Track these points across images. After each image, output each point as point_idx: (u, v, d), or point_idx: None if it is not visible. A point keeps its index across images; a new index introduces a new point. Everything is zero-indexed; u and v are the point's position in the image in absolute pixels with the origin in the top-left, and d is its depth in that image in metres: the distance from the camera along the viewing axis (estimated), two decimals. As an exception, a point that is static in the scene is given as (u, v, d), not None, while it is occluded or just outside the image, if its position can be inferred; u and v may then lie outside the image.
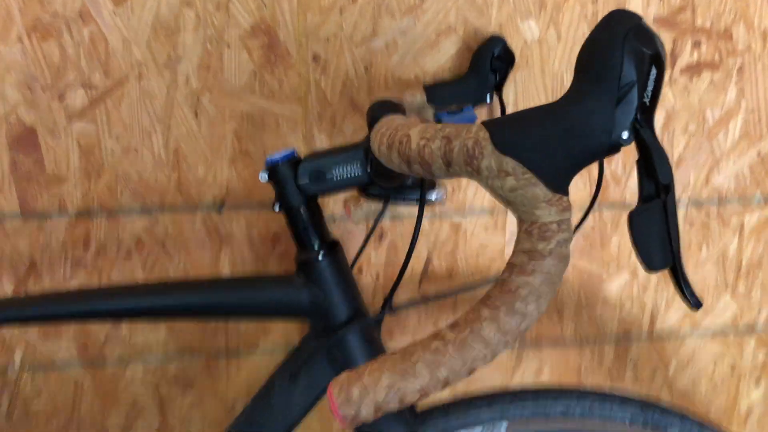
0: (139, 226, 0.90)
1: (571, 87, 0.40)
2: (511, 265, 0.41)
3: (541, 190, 0.39)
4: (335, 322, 0.65)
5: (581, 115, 0.39)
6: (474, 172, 0.41)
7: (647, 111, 0.40)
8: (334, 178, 0.62)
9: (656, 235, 0.41)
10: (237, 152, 0.88)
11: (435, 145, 0.42)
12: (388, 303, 0.66)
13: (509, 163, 0.40)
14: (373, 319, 0.66)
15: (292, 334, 0.97)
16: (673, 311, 1.03)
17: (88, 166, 0.87)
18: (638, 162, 0.42)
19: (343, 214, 0.92)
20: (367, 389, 0.41)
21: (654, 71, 0.40)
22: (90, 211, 0.88)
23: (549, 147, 0.39)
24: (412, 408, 0.70)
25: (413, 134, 0.44)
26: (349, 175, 0.61)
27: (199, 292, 0.66)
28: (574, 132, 0.39)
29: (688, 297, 0.41)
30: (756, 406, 1.10)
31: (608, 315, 1.02)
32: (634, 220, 0.41)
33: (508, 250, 0.96)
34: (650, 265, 0.41)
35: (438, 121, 0.62)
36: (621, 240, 0.99)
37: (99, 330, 0.94)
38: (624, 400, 0.71)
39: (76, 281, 0.91)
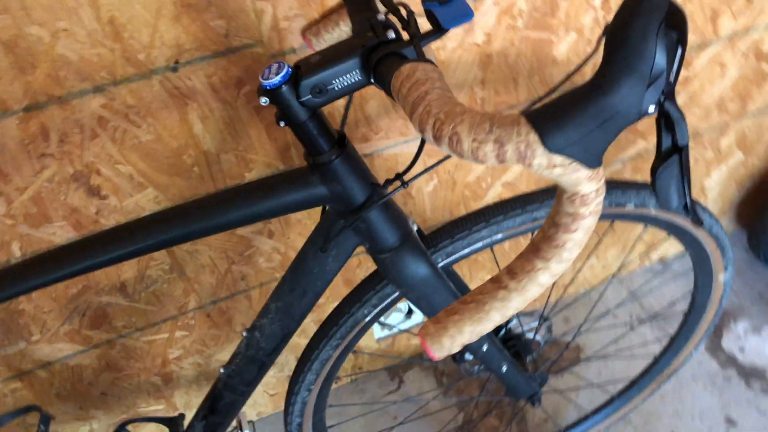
0: (96, 104, 0.84)
1: (602, 69, 0.42)
2: (556, 224, 0.48)
3: (583, 173, 0.44)
4: (355, 204, 0.70)
5: (617, 105, 0.42)
6: (526, 167, 0.45)
7: (671, 86, 0.43)
8: (336, 88, 0.61)
9: (673, 183, 0.48)
10: (179, 8, 0.79)
11: (488, 148, 0.44)
12: (400, 176, 0.70)
13: (558, 159, 0.43)
14: (388, 192, 0.71)
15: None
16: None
17: (18, 61, 0.77)
18: (658, 121, 0.46)
19: (303, 44, 0.88)
20: (454, 337, 0.51)
21: (680, 51, 0.42)
22: (38, 104, 0.81)
23: (590, 137, 0.43)
24: (421, 233, 0.80)
25: (463, 133, 0.45)
26: (350, 82, 0.61)
27: (224, 206, 0.68)
28: (611, 120, 0.42)
29: (695, 221, 0.50)
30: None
31: (557, 72, 1.08)
32: (657, 174, 0.47)
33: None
34: (668, 207, 0.48)
35: (427, 11, 0.58)
36: (569, 5, 1.01)
37: (89, 205, 0.93)
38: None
39: (49, 172, 0.87)
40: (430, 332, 0.51)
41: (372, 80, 0.59)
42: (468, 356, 1.03)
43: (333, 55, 0.60)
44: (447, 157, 0.65)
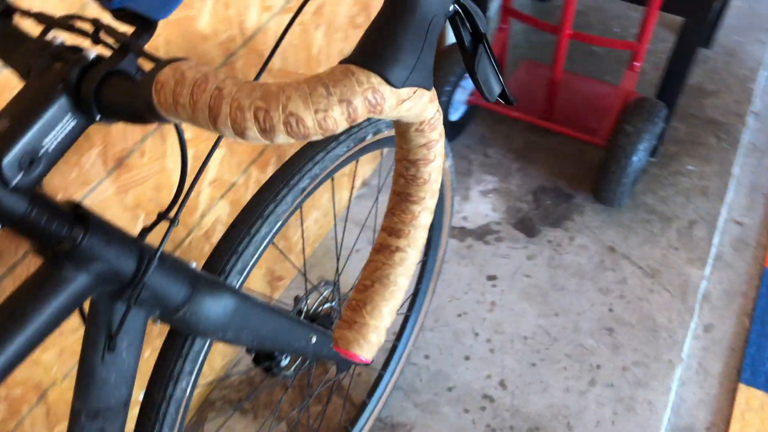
0: None
1: None
2: (413, 162, 0.45)
3: (426, 96, 0.42)
4: (128, 275, 0.56)
5: (431, 6, 0.40)
6: (377, 114, 0.40)
7: None
8: (51, 148, 0.46)
9: (490, 72, 0.47)
10: None
11: (336, 113, 0.37)
12: (164, 216, 0.58)
13: (404, 92, 0.40)
14: (161, 241, 0.58)
15: None
16: None
17: None
18: (453, 19, 0.45)
19: None
20: (377, 327, 0.45)
21: None
22: None
23: (423, 56, 0.40)
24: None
25: (300, 110, 0.37)
26: (68, 132, 0.47)
27: None
28: (431, 28, 0.40)
29: (512, 101, 0.51)
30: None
31: (210, 47, 1.00)
32: (475, 69, 0.46)
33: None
34: (492, 96, 0.48)
35: (119, 11, 0.46)
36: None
37: None
38: None
39: None
40: (349, 338, 0.44)
41: (98, 116, 0.46)
42: (284, 361, 0.95)
43: (24, 110, 0.45)
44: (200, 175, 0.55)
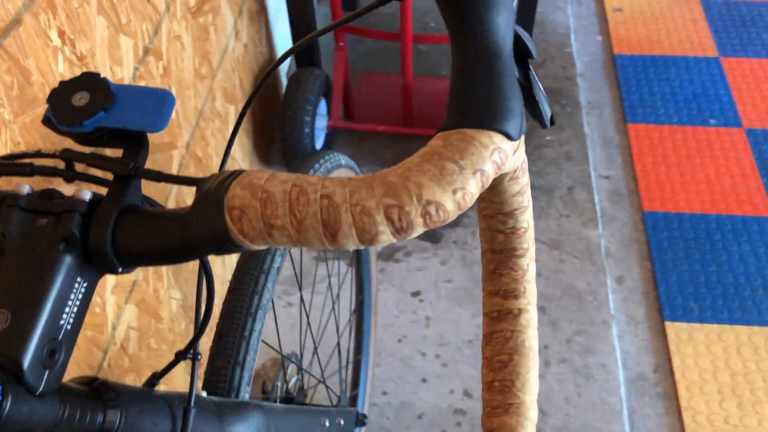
0: None
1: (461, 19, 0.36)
2: (510, 213, 0.43)
3: (520, 140, 0.38)
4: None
5: (505, 47, 0.36)
6: (500, 172, 0.36)
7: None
8: (71, 324, 0.36)
9: (541, 97, 0.44)
10: None
11: (472, 187, 0.33)
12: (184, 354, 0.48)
13: (518, 142, 0.37)
14: (183, 395, 0.48)
15: None
16: None
17: None
18: None
19: None
20: (533, 401, 0.42)
21: None
22: None
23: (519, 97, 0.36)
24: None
25: (437, 194, 0.31)
26: (81, 298, 0.37)
27: None
28: (509, 67, 0.36)
29: (554, 120, 0.47)
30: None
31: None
32: (532, 95, 0.43)
33: None
34: (548, 120, 0.44)
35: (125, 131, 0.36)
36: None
37: None
38: None
39: None
40: (512, 424, 0.39)
41: (120, 269, 0.36)
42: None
43: (26, 293, 0.34)
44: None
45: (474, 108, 0.34)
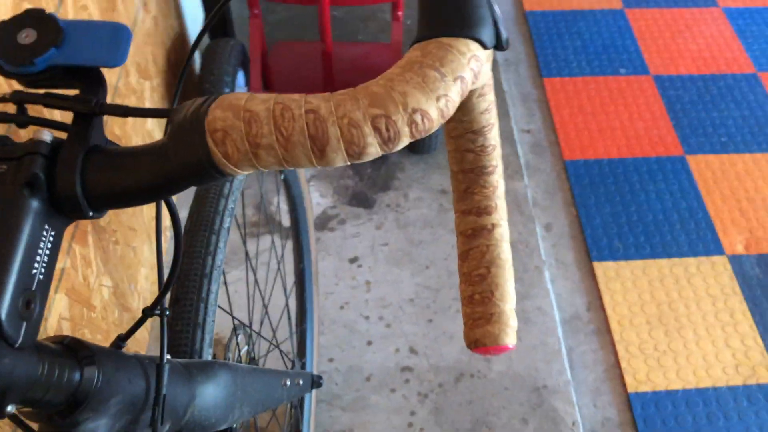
0: None
1: None
2: (479, 131, 0.43)
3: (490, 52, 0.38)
4: (140, 398, 0.45)
5: None
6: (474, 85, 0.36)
7: None
8: (43, 274, 0.35)
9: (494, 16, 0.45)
10: None
11: (453, 94, 0.33)
12: (151, 311, 0.47)
13: (491, 52, 0.37)
14: (155, 355, 0.47)
15: None
16: None
17: None
18: None
19: None
20: (512, 309, 0.43)
21: None
22: None
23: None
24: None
25: (423, 104, 0.32)
26: (51, 247, 0.36)
27: None
28: None
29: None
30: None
31: None
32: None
33: None
34: (504, 44, 0.45)
35: (67, 68, 0.35)
36: None
37: None
38: None
39: None
40: (495, 332, 0.41)
41: (91, 213, 0.35)
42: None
43: None
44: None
45: (449, 17, 0.34)
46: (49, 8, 0.97)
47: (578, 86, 1.98)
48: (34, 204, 0.33)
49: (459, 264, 0.44)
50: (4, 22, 0.36)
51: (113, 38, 0.37)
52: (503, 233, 0.43)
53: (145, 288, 1.30)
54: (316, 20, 2.05)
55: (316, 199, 1.59)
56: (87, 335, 1.04)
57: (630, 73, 2.05)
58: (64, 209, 0.34)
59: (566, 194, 1.65)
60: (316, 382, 0.92)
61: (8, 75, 0.36)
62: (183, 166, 0.32)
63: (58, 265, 0.96)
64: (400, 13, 1.69)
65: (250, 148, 0.31)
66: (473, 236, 0.43)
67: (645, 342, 1.36)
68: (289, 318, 1.06)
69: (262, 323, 1.07)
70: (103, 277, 1.09)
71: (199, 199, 0.68)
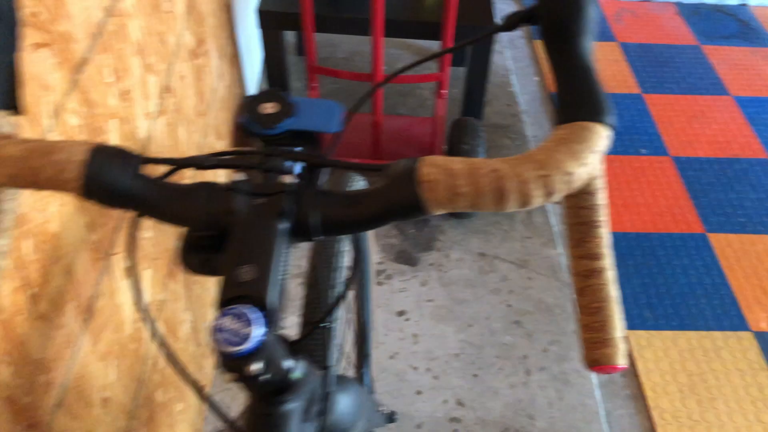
0: None
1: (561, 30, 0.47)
2: (591, 192, 0.51)
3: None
4: (314, 392, 0.54)
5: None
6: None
7: None
8: (281, 281, 0.46)
9: None
10: None
11: (593, 165, 0.43)
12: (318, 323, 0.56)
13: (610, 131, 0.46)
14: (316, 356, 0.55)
15: None
16: None
17: None
18: None
19: None
20: (622, 337, 0.50)
21: None
22: None
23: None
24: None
25: (574, 168, 0.42)
26: (286, 264, 0.46)
27: None
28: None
29: None
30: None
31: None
32: None
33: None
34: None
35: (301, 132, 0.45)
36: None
37: None
38: None
39: None
40: (610, 354, 0.48)
41: (321, 236, 0.45)
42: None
43: (260, 252, 0.42)
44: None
45: (586, 106, 0.45)
46: (162, 79, 1.08)
47: (602, 164, 2.10)
48: (283, 228, 0.44)
49: (577, 298, 0.53)
50: (252, 96, 0.47)
51: (330, 112, 0.48)
52: (611, 276, 0.52)
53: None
54: (361, 93, 2.18)
55: (363, 255, 1.67)
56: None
57: (650, 153, 2.18)
58: (300, 233, 0.45)
59: (597, 264, 1.74)
60: (392, 417, 0.99)
61: (254, 135, 0.46)
62: (397, 206, 0.43)
63: (159, 297, 1.04)
64: (444, 91, 1.83)
65: (451, 195, 0.41)
66: (587, 276, 0.53)
67: (679, 410, 1.43)
68: (356, 359, 1.13)
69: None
70: (185, 312, 1.16)
71: (319, 250, 0.79)
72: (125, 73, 0.91)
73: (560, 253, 1.73)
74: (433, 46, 2.49)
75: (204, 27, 1.35)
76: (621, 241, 1.82)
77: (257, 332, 0.40)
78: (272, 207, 0.44)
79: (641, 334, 1.57)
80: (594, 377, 1.46)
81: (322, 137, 0.51)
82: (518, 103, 2.31)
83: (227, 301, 0.41)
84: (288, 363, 0.46)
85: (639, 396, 1.45)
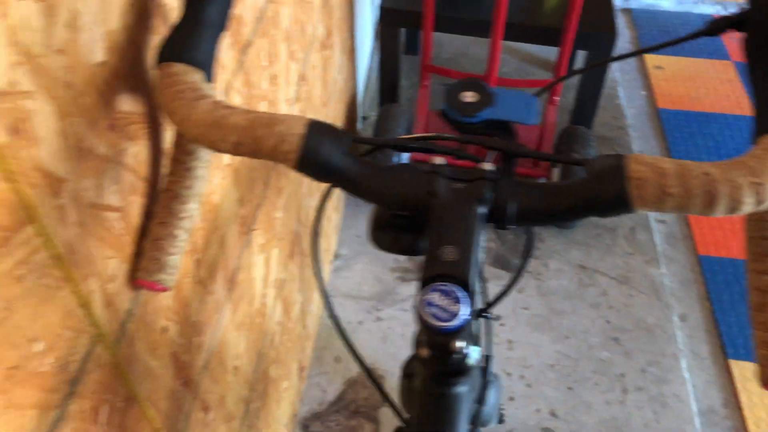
0: None
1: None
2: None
3: None
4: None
5: None
6: None
7: None
8: (478, 267, 0.46)
9: None
10: None
11: None
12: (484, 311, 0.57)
13: None
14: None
15: None
16: None
17: None
18: None
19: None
20: None
21: None
22: None
23: None
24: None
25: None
26: (483, 249, 0.47)
27: None
28: None
29: None
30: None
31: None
32: None
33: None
34: None
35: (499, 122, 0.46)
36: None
37: None
38: None
39: None
40: None
41: (513, 224, 0.46)
42: None
43: (464, 235, 0.43)
44: None
45: None
46: (299, 67, 1.11)
47: (712, 186, 2.03)
48: (480, 213, 0.45)
49: (755, 313, 0.52)
50: (452, 85, 0.48)
51: (527, 104, 0.48)
52: None
53: (314, 312, 1.41)
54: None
55: (460, 256, 1.68)
56: (285, 341, 1.14)
57: (762, 180, 2.09)
58: (496, 220, 0.46)
59: (701, 287, 1.69)
60: (502, 418, 0.99)
61: (452, 122, 0.47)
62: (601, 201, 0.43)
63: (281, 276, 1.07)
64: (556, 98, 1.81)
65: (660, 194, 0.41)
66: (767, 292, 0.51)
67: (782, 446, 1.37)
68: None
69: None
70: (298, 294, 1.20)
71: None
72: (275, 58, 0.94)
73: (663, 273, 1.68)
74: (540, 51, 2.47)
75: (332, 19, 1.39)
76: (728, 266, 1.76)
77: (464, 311, 0.41)
78: (472, 192, 0.45)
79: (746, 366, 1.51)
80: (694, 404, 1.41)
81: (517, 128, 0.52)
82: (625, 116, 2.26)
83: (430, 278, 0.42)
84: (471, 347, 0.47)
85: (741, 429, 1.40)
